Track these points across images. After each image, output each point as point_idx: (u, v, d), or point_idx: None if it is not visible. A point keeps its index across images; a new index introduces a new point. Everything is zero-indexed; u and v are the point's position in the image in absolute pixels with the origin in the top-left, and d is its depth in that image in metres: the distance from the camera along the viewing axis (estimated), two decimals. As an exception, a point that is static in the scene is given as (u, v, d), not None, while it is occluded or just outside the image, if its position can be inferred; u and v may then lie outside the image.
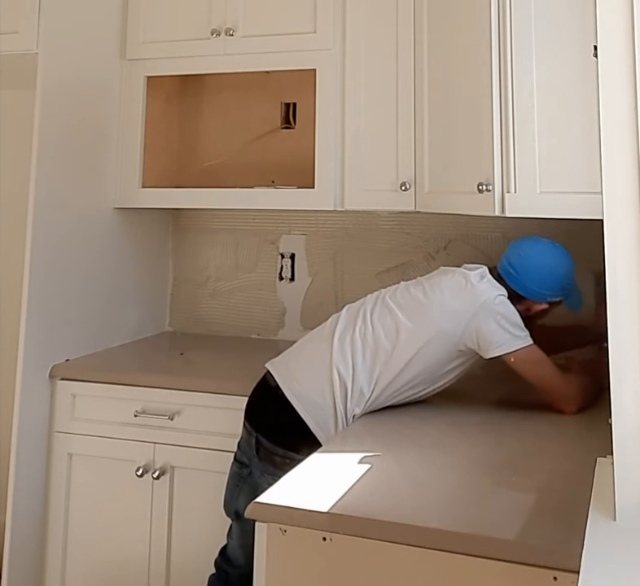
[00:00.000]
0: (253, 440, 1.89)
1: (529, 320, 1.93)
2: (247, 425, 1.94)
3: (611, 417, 1.07)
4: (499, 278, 1.92)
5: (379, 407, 1.89)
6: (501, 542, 1.23)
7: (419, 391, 1.91)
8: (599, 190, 1.08)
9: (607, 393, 1.08)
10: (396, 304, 1.92)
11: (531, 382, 1.88)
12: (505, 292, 1.88)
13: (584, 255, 1.93)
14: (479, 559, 1.22)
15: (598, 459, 1.27)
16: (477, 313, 1.83)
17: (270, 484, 1.55)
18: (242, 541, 1.87)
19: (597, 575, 0.91)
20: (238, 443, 1.96)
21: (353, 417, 1.86)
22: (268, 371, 1.98)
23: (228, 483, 1.95)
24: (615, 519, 1.05)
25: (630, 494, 1.05)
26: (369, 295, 2.04)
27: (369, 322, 1.91)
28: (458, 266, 1.99)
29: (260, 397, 1.97)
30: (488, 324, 1.82)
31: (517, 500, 1.40)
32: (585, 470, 1.28)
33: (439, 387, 1.92)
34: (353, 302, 2.05)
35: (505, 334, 1.82)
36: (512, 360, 1.83)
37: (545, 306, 1.94)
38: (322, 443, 1.78)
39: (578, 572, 0.91)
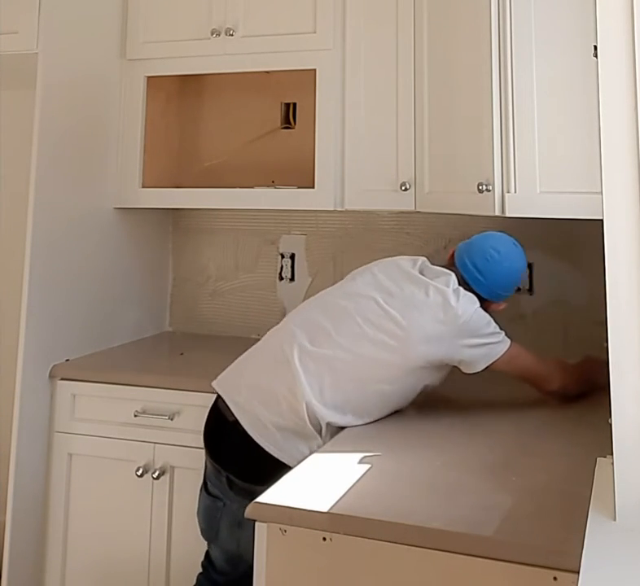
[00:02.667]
0: (224, 479, 1.79)
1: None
2: (213, 462, 1.83)
3: (611, 417, 1.07)
4: (464, 282, 1.88)
5: (362, 422, 1.82)
6: (502, 542, 1.23)
7: (400, 405, 1.87)
8: (599, 190, 1.08)
9: (607, 393, 1.08)
10: (365, 323, 1.80)
11: (512, 376, 1.91)
12: (478, 303, 1.84)
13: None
14: (479, 559, 1.22)
15: (598, 459, 1.27)
16: (457, 335, 1.78)
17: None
18: (223, 561, 1.86)
19: (597, 575, 0.91)
20: (205, 473, 1.86)
21: (322, 438, 1.76)
22: (221, 399, 1.85)
23: (202, 513, 1.87)
24: (615, 519, 1.05)
25: (630, 494, 1.05)
26: (317, 301, 1.92)
27: (335, 341, 1.79)
28: (412, 257, 1.98)
29: (221, 433, 1.84)
30: (466, 347, 1.79)
31: (517, 500, 1.40)
32: (585, 470, 1.28)
33: (414, 395, 1.88)
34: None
35: (484, 348, 1.81)
36: (496, 365, 1.84)
37: (503, 305, 1.96)
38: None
39: (578, 572, 0.91)
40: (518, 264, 1.95)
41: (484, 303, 1.88)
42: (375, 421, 1.82)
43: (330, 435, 1.76)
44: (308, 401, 1.74)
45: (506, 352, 1.83)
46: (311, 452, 1.68)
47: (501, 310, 1.95)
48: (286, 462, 1.71)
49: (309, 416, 1.74)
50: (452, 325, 1.78)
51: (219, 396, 1.87)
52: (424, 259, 1.97)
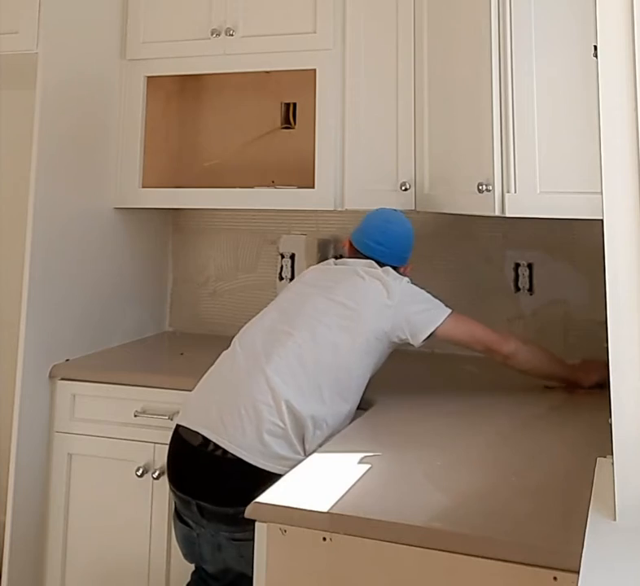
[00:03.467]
0: (194, 507, 1.73)
1: None
2: (180, 493, 1.77)
3: (611, 417, 1.07)
4: (368, 259, 2.00)
5: (348, 419, 1.83)
6: (502, 542, 1.23)
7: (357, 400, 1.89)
8: (599, 190, 1.08)
9: (607, 393, 1.08)
10: (320, 314, 1.87)
11: (462, 344, 1.95)
12: (397, 275, 1.95)
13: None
14: (479, 559, 1.21)
15: (598, 459, 1.27)
16: (400, 304, 1.87)
17: (231, 539, 1.58)
18: (214, 571, 1.85)
19: (597, 575, 0.91)
20: (175, 505, 1.81)
21: (315, 443, 1.75)
22: (182, 427, 1.81)
23: (181, 540, 1.83)
24: (615, 519, 1.05)
25: (630, 494, 1.05)
26: (257, 320, 1.98)
27: (297, 338, 1.82)
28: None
29: (186, 460, 1.80)
30: (413, 311, 1.87)
31: (517, 500, 1.40)
32: (585, 470, 1.28)
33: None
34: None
35: (427, 314, 1.88)
36: (440, 333, 1.88)
37: (411, 267, 2.08)
38: (281, 474, 1.57)
39: (578, 572, 0.91)
40: (407, 224, 2.10)
41: (397, 270, 2.00)
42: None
43: (321, 433, 1.76)
44: (286, 399, 1.74)
45: (449, 315, 1.89)
46: (299, 456, 1.68)
47: (410, 271, 2.07)
48: (272, 471, 1.68)
49: (290, 415, 1.73)
50: (395, 297, 1.88)
51: (177, 427, 1.84)
52: (332, 259, 2.14)
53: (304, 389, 1.77)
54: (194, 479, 1.77)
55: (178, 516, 1.83)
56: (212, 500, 1.71)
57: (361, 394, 1.88)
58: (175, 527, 1.86)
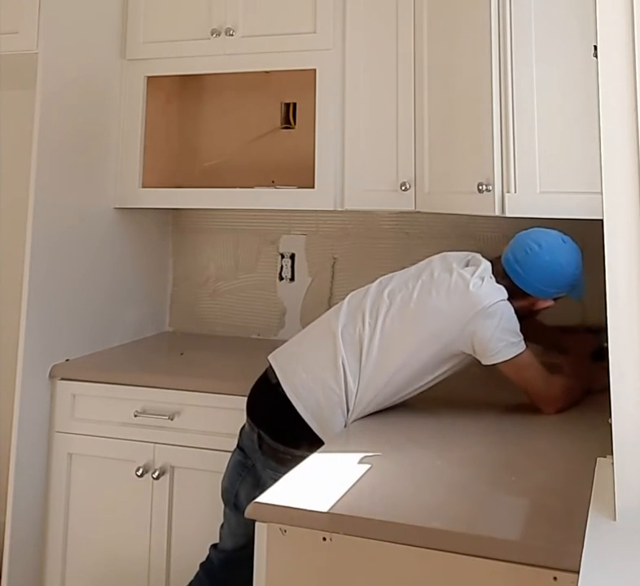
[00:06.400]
0: (255, 436, 1.88)
1: (532, 314, 1.92)
2: (249, 419, 1.93)
3: (611, 417, 1.07)
4: (503, 274, 1.87)
5: (379, 407, 1.87)
6: (502, 542, 1.23)
7: (412, 391, 1.89)
8: (599, 190, 1.08)
9: (607, 393, 1.08)
10: (392, 303, 1.88)
11: (514, 383, 1.88)
12: (505, 295, 1.82)
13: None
14: (479, 559, 1.21)
15: (598, 459, 1.27)
16: (473, 319, 1.77)
17: (273, 479, 1.58)
18: (233, 529, 1.91)
19: (597, 575, 0.91)
20: (241, 431, 1.96)
21: (353, 417, 1.84)
22: (270, 365, 1.96)
23: (229, 470, 1.95)
24: (615, 519, 1.05)
25: (630, 494, 1.05)
26: (373, 285, 1.97)
27: (368, 321, 1.88)
28: (467, 252, 1.97)
29: (262, 393, 1.95)
30: (484, 331, 1.78)
31: (517, 500, 1.40)
32: (585, 470, 1.28)
33: (428, 385, 1.90)
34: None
35: (499, 342, 1.79)
36: (503, 366, 1.82)
37: (550, 303, 1.91)
38: (323, 441, 1.78)
39: (578, 572, 0.91)
40: (562, 258, 1.86)
41: (528, 299, 1.87)
42: (384, 412, 1.88)
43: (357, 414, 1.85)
44: (345, 372, 1.83)
45: (518, 355, 1.80)
46: (344, 425, 1.82)
47: (546, 308, 1.92)
48: (313, 429, 1.82)
49: (345, 386, 1.83)
50: (469, 309, 1.78)
51: (270, 365, 1.96)
52: (476, 254, 1.97)
53: (360, 366, 1.86)
54: (262, 411, 1.93)
55: (238, 444, 1.95)
56: (271, 433, 1.86)
57: (403, 391, 1.89)
58: (232, 455, 1.96)
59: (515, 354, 1.80)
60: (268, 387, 1.92)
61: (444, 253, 2.00)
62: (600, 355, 1.99)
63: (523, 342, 1.82)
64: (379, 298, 1.92)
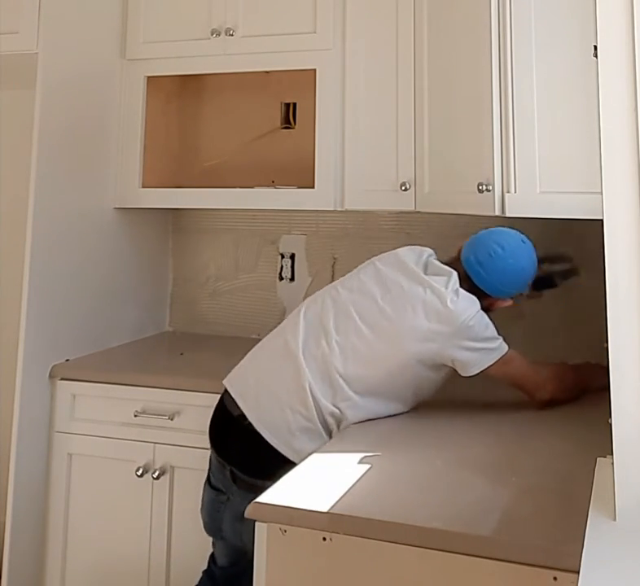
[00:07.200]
0: (228, 472, 1.80)
1: (489, 312, 1.89)
2: (217, 456, 1.84)
3: (611, 417, 1.07)
4: (465, 275, 1.85)
5: (377, 416, 1.82)
6: (502, 542, 1.23)
7: (403, 405, 1.86)
8: (599, 190, 1.08)
9: (607, 393, 1.08)
10: (362, 320, 1.81)
11: (504, 382, 1.88)
12: (478, 305, 1.80)
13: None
14: (479, 559, 1.21)
15: (598, 459, 1.27)
16: (452, 336, 1.76)
17: None
18: (226, 552, 1.88)
19: (597, 575, 0.91)
20: (210, 466, 1.88)
21: (331, 435, 1.77)
22: (227, 393, 1.86)
23: (206, 507, 1.88)
24: (615, 519, 1.05)
25: (630, 494, 1.05)
26: (326, 296, 1.90)
27: (335, 339, 1.79)
28: (413, 247, 1.96)
29: (226, 426, 1.86)
30: (461, 349, 1.77)
31: (517, 500, 1.40)
32: (585, 470, 1.28)
33: (423, 395, 1.88)
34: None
35: (478, 353, 1.78)
36: (488, 370, 1.81)
37: (509, 302, 1.92)
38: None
39: (578, 572, 0.91)
40: (524, 261, 1.88)
41: (487, 300, 1.86)
42: (375, 419, 1.82)
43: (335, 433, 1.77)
44: (314, 395, 1.75)
45: (500, 358, 1.80)
46: (316, 450, 1.68)
47: (506, 306, 1.92)
48: (290, 458, 1.72)
49: (316, 410, 1.75)
50: (449, 326, 1.76)
51: (226, 391, 1.88)
52: (430, 252, 1.95)
53: (331, 387, 1.78)
54: (231, 446, 1.83)
55: (209, 481, 1.88)
56: (244, 469, 1.78)
57: (383, 409, 1.84)
58: (204, 492, 1.90)
59: (494, 360, 1.80)
60: (231, 421, 1.83)
61: (394, 252, 1.95)
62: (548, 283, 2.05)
63: (502, 344, 1.82)
64: (343, 313, 1.83)
